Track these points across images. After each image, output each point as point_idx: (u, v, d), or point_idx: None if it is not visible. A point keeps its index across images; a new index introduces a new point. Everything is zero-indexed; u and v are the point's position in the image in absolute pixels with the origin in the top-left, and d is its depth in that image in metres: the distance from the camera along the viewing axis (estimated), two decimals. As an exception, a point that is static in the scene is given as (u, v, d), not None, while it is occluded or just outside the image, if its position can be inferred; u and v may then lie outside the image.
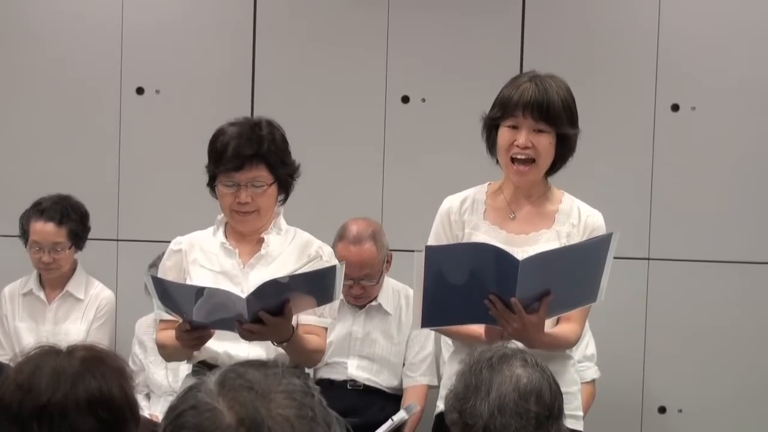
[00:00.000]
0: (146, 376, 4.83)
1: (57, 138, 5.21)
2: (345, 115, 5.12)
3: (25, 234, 4.78)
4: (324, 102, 5.13)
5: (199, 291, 3.27)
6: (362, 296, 4.61)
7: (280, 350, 3.41)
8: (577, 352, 3.73)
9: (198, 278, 3.49)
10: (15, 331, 4.85)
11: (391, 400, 4.61)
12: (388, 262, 4.63)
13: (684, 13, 5.01)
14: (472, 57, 5.05)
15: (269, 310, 3.25)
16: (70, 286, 4.86)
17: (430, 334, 4.62)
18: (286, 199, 3.59)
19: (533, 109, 3.29)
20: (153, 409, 4.75)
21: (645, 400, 5.03)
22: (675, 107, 5.01)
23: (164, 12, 5.22)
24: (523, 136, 3.30)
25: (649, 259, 5.01)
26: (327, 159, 5.03)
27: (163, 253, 3.67)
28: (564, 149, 3.35)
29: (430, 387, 4.61)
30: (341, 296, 3.62)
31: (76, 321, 4.84)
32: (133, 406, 2.16)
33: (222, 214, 3.58)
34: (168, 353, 3.58)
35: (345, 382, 4.60)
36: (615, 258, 3.17)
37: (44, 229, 4.73)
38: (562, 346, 3.34)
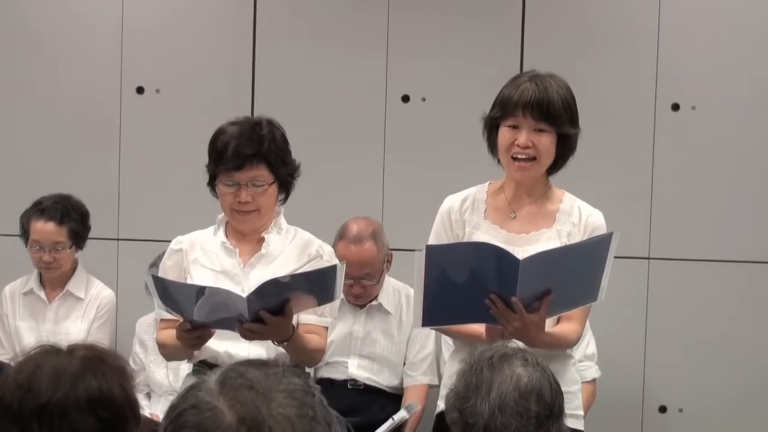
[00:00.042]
0: (147, 376, 4.83)
1: (57, 138, 5.21)
2: (345, 115, 5.12)
3: (25, 233, 4.78)
4: (324, 102, 5.13)
5: (200, 290, 3.27)
6: (363, 296, 4.61)
7: (281, 350, 3.41)
8: (577, 352, 3.72)
9: (198, 277, 3.49)
10: (15, 330, 4.85)
11: (392, 399, 4.61)
12: (389, 261, 4.63)
13: (684, 13, 5.01)
14: (472, 56, 5.05)
15: (270, 309, 3.25)
16: (71, 286, 4.86)
17: (430, 333, 4.61)
18: (286, 198, 3.59)
19: (533, 108, 3.29)
20: (153, 409, 4.75)
21: (645, 400, 5.03)
22: (675, 107, 5.00)
23: (164, 12, 5.22)
24: (523, 136, 3.30)
25: (649, 258, 5.01)
26: (327, 158, 5.03)
27: (164, 253, 3.67)
28: (564, 149, 3.35)
29: (430, 386, 4.61)
30: (342, 296, 3.61)
31: (77, 320, 4.84)
32: (134, 406, 2.16)
33: (222, 214, 3.58)
34: (168, 352, 3.58)
35: (345, 381, 4.60)
36: (615, 257, 3.16)
37: (45, 228, 4.73)
38: (563, 346, 3.34)
